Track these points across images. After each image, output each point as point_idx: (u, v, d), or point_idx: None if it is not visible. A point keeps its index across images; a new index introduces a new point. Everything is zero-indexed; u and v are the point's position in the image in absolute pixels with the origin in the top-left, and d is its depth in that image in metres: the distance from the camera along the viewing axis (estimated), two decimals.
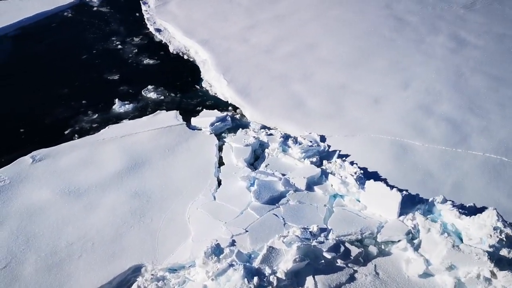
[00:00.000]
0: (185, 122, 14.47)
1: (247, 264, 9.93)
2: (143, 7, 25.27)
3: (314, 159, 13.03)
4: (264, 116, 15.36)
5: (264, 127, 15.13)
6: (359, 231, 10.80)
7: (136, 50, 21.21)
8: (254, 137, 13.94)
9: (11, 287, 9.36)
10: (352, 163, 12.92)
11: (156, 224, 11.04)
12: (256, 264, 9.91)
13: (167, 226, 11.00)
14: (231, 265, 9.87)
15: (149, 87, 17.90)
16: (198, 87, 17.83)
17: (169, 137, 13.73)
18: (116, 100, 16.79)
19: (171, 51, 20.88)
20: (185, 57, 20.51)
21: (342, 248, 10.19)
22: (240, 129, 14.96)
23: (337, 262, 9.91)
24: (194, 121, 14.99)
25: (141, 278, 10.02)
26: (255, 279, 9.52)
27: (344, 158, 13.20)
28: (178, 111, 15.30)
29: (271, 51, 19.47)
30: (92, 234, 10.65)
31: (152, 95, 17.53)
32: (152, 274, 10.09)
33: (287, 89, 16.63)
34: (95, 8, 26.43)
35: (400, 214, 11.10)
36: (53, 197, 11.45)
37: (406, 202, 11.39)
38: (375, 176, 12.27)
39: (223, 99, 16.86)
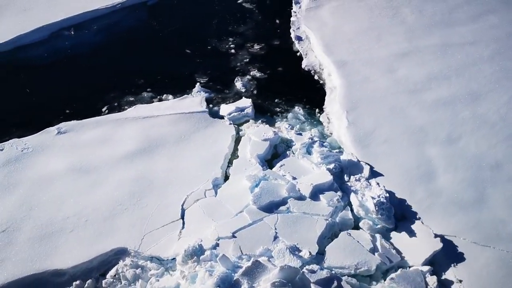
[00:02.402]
0: (207, 110, 14.12)
1: (229, 271, 9.48)
2: (294, 7, 20.17)
3: (331, 166, 11.92)
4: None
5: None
6: (353, 265, 9.67)
7: (248, 59, 17.47)
8: (274, 132, 13.13)
9: (3, 251, 10.04)
10: (379, 183, 11.44)
11: (149, 210, 11.02)
12: (237, 275, 9.40)
13: (159, 214, 10.92)
14: (208, 270, 9.53)
15: (246, 78, 16.16)
16: (317, 114, 14.77)
17: (188, 123, 13.52)
18: (197, 84, 15.68)
19: (302, 66, 16.94)
20: (316, 77, 16.47)
21: (335, 285, 9.14)
22: (282, 121, 14.29)
23: None
24: (222, 108, 14.60)
25: (122, 262, 10.15)
26: None
27: (375, 178, 11.65)
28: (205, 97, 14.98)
29: (418, 91, 14.84)
30: (88, 211, 10.97)
31: (239, 84, 15.96)
32: (132, 260, 10.15)
33: (419, 151, 12.64)
34: (239, 0, 21.50)
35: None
36: (64, 170, 11.96)
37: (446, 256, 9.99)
38: None
39: (337, 141, 13.50)
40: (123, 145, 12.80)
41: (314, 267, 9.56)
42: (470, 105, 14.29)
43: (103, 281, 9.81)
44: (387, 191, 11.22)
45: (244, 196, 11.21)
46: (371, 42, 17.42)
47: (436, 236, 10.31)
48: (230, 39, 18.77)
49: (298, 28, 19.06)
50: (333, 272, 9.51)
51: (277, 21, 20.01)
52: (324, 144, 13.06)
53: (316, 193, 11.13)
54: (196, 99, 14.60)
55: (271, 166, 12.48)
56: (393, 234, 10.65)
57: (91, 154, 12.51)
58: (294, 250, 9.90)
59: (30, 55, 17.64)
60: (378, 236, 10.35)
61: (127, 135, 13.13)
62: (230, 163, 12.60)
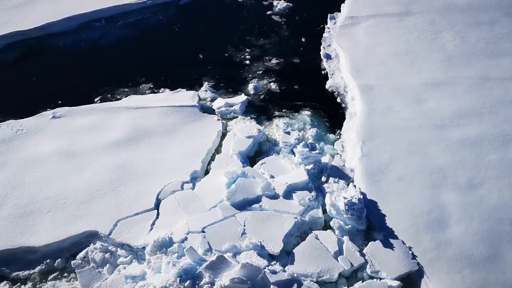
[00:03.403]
0: (198, 104, 14.28)
1: (193, 264, 9.66)
2: (328, 23, 18.82)
3: (310, 167, 11.88)
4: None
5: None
6: (316, 273, 9.66)
7: (261, 71, 16.61)
8: (258, 129, 13.17)
9: None
10: (355, 186, 11.38)
11: (126, 197, 11.30)
12: (200, 268, 9.57)
13: (135, 202, 11.21)
14: (173, 261, 9.72)
15: (258, 84, 15.67)
16: (336, 135, 13.88)
17: (178, 116, 13.75)
18: (206, 83, 15.79)
19: (326, 87, 15.81)
20: (338, 100, 15.36)
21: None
22: (280, 119, 14.29)
23: None
24: (214, 103, 14.73)
25: (92, 245, 10.43)
26: (188, 282, 9.26)
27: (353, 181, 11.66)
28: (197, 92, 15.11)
29: (444, 127, 13.45)
30: (67, 193, 11.37)
31: (251, 87, 15.58)
32: (102, 245, 10.43)
33: (434, 195, 11.49)
34: (269, 12, 20.34)
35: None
36: (52, 153, 12.44)
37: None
38: None
39: (346, 172, 12.29)
40: (111, 133, 13.17)
41: (277, 267, 9.63)
42: (499, 149, 12.78)
43: (72, 262, 10.13)
44: (361, 193, 11.10)
45: (220, 192, 11.34)
46: (403, 67, 15.96)
47: (413, 257, 10.06)
48: (248, 49, 17.82)
49: (329, 45, 17.64)
50: (295, 275, 9.49)
51: (303, 38, 18.69)
52: (310, 145, 12.92)
53: (289, 192, 11.17)
54: (189, 93, 14.81)
55: (254, 163, 12.57)
56: (373, 244, 10.37)
57: (80, 139, 12.93)
58: (259, 247, 9.96)
59: (54, 43, 18.15)
60: (345, 238, 10.28)
61: (116, 124, 13.49)
62: (213, 158, 12.74)
